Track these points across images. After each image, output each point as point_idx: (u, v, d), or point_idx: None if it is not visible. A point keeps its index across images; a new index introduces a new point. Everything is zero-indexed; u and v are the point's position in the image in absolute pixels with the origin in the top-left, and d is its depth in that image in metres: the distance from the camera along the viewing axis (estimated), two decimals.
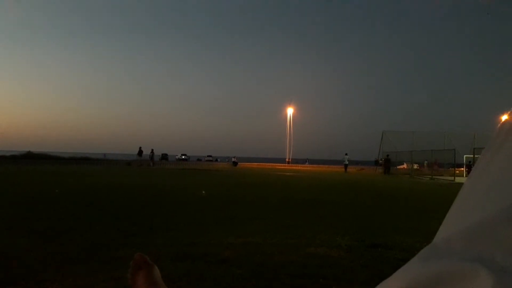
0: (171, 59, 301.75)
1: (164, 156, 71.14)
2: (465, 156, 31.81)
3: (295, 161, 66.53)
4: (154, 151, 36.36)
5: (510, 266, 0.23)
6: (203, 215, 7.29)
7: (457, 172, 29.94)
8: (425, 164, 34.27)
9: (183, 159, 68.99)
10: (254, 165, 48.53)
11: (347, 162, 36.39)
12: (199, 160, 73.34)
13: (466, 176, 26.93)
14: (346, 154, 36.84)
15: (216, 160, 73.14)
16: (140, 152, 36.08)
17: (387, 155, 35.12)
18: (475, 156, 26.54)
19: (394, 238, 5.54)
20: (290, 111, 64.53)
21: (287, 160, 58.37)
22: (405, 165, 36.21)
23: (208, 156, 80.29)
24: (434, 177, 27.43)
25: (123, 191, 11.57)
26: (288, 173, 28.07)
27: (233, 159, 47.94)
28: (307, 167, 47.10)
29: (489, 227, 0.28)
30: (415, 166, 33.83)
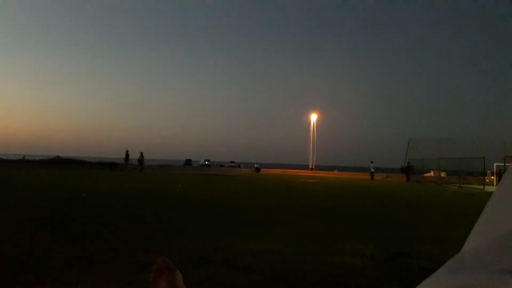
0: (196, 65, 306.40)
1: (188, 162, 72.09)
2: (495, 164, 30.71)
3: (321, 168, 66.06)
4: (143, 154, 33.76)
5: None
6: (225, 221, 7.30)
7: (487, 181, 28.90)
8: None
9: (206, 165, 69.55)
10: (277, 171, 48.41)
11: (373, 170, 35.96)
12: (221, 166, 73.78)
13: (496, 185, 25.94)
14: (371, 162, 36.50)
15: (239, 166, 73.36)
16: (127, 156, 33.61)
17: (408, 163, 34.63)
18: (506, 164, 25.58)
19: (419, 247, 5.40)
20: (313, 117, 64.19)
21: (310, 167, 57.95)
22: (432, 173, 35.25)
23: (231, 162, 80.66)
24: (462, 185, 26.58)
25: (142, 195, 11.74)
26: (311, 180, 27.83)
27: (255, 165, 47.99)
28: (333, 174, 46.57)
29: None
30: (443, 174, 32.90)
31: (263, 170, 46.27)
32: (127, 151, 33.73)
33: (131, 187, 14.83)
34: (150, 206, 9.35)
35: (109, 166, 35.13)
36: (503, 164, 27.52)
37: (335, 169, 63.11)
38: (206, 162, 71.98)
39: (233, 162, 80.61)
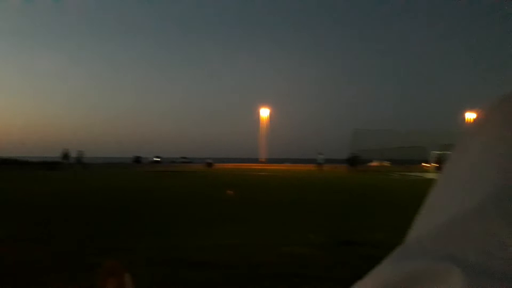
0: (141, 60, 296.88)
1: (137, 159, 70.05)
2: (433, 152, 32.95)
3: (273, 161, 67.05)
4: (82, 153, 32.15)
5: (482, 264, 0.24)
6: (176, 218, 7.21)
7: (427, 168, 30.94)
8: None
9: (156, 161, 68.00)
10: (230, 165, 48.43)
11: (321, 161, 37.07)
12: (173, 162, 72.56)
13: (435, 172, 27.88)
14: (320, 153, 37.55)
15: (191, 162, 72.54)
16: (66, 155, 31.77)
17: (352, 153, 36.22)
18: (443, 152, 27.52)
19: (366, 234, 5.65)
20: (263, 111, 64.90)
21: (260, 160, 58.73)
22: (376, 163, 37.12)
23: (182, 157, 79.49)
24: (404, 173, 28.23)
25: (84, 197, 11.29)
26: (263, 173, 28.20)
27: (208, 161, 47.69)
28: (284, 166, 47.45)
29: (460, 226, 0.28)
30: (386, 163, 34.81)
31: (216, 165, 46.09)
32: (65, 149, 31.70)
33: (68, 188, 14.17)
34: (93, 207, 9.00)
35: (48, 166, 31.58)
36: (440, 152, 29.55)
37: (286, 161, 64.32)
38: (156, 159, 70.38)
39: (185, 157, 79.54)
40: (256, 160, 63.68)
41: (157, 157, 72.01)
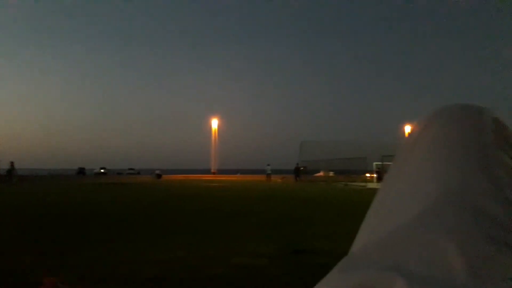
0: (88, 68, 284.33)
1: (81, 171, 66.88)
2: (374, 163, 34.73)
3: (225, 172, 66.91)
4: (14, 164, 28.74)
5: (424, 273, 0.23)
6: (123, 232, 6.98)
7: (368, 178, 32.54)
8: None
9: (101, 173, 65.32)
10: (180, 177, 47.69)
11: (269, 172, 38.20)
12: (119, 173, 70.06)
13: (376, 182, 29.40)
14: (268, 165, 38.92)
15: (138, 173, 70.45)
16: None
17: (297, 164, 37.70)
18: (384, 163, 29.14)
19: (315, 243, 5.79)
20: (214, 121, 64.89)
21: (212, 171, 58.47)
22: (322, 173, 38.48)
23: (129, 169, 76.92)
24: (348, 183, 29.50)
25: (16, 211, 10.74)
26: (213, 184, 28.10)
27: (156, 172, 46.67)
28: (236, 177, 47.65)
29: (402, 235, 0.27)
30: (331, 174, 36.22)
31: (165, 176, 45.20)
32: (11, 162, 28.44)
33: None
34: (31, 222, 8.62)
35: None
36: (381, 163, 31.23)
37: (238, 172, 64.48)
38: (102, 170, 67.61)
39: (132, 169, 76.98)
40: (207, 171, 63.27)
41: (103, 168, 69.17)
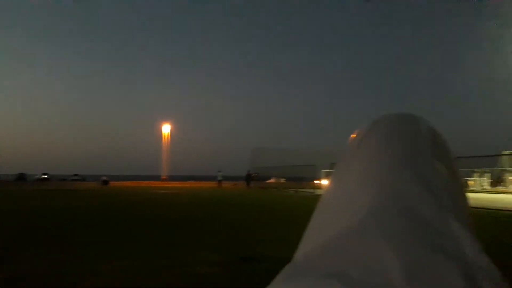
0: (33, 73, 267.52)
1: (21, 176, 62.79)
2: (323, 170, 35.93)
3: (177, 178, 65.76)
4: None
5: (363, 281, 0.24)
6: (65, 240, 6.68)
7: (317, 185, 33.59)
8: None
9: (43, 179, 61.73)
10: (128, 183, 46.21)
11: (220, 178, 38.50)
12: (63, 180, 66.59)
13: (323, 188, 30.34)
14: (219, 171, 39.20)
15: (84, 180, 67.36)
16: None
17: (248, 171, 38.30)
18: (332, 170, 30.21)
19: (264, 250, 5.86)
20: (166, 127, 63.82)
21: (162, 177, 57.37)
22: (273, 180, 39.23)
23: (74, 175, 73.30)
24: (298, 190, 30.29)
25: None
26: (164, 191, 27.54)
27: (103, 178, 44.93)
28: (187, 184, 47.09)
29: (344, 241, 0.28)
30: (282, 180, 37.06)
31: (112, 183, 43.63)
32: None
33: None
34: None
35: None
36: (329, 170, 32.36)
37: (190, 179, 63.66)
38: (44, 176, 63.91)
39: (77, 175, 73.46)
40: (158, 178, 61.90)
41: (45, 174, 65.40)
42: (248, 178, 37.26)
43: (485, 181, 32.50)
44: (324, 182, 33.30)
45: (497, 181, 31.97)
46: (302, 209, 13.27)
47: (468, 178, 31.10)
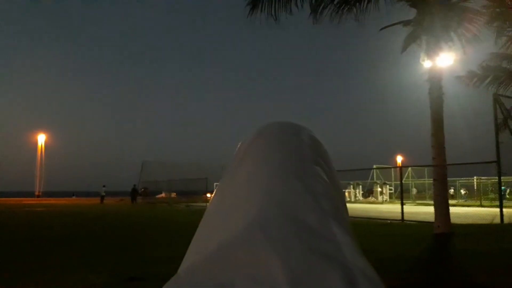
0: None
1: None
2: (215, 183, 36.19)
3: (55, 194, 59.66)
4: None
5: None
6: None
7: (209, 198, 33.71)
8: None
9: None
10: None
11: (103, 194, 36.73)
12: None
13: None
14: (104, 186, 37.24)
15: None
16: None
17: (134, 185, 37.01)
18: None
19: (151, 269, 5.63)
20: (41, 137, 57.45)
21: (36, 193, 51.46)
22: (163, 194, 38.12)
23: None
24: (189, 204, 29.90)
25: None
26: (39, 208, 24.58)
27: None
28: (67, 200, 43.12)
29: (229, 251, 0.27)
30: (173, 195, 36.22)
31: None
32: None
33: None
34: None
35: None
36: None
37: (73, 195, 58.37)
38: None
39: None
40: (31, 194, 55.07)
41: None
42: (134, 193, 35.65)
43: (359, 192, 36.57)
44: None
45: (368, 192, 36.32)
46: (193, 224, 13.18)
47: (345, 190, 34.65)
